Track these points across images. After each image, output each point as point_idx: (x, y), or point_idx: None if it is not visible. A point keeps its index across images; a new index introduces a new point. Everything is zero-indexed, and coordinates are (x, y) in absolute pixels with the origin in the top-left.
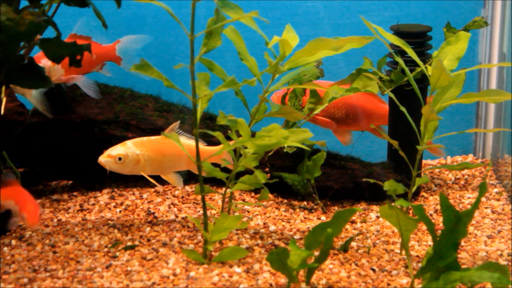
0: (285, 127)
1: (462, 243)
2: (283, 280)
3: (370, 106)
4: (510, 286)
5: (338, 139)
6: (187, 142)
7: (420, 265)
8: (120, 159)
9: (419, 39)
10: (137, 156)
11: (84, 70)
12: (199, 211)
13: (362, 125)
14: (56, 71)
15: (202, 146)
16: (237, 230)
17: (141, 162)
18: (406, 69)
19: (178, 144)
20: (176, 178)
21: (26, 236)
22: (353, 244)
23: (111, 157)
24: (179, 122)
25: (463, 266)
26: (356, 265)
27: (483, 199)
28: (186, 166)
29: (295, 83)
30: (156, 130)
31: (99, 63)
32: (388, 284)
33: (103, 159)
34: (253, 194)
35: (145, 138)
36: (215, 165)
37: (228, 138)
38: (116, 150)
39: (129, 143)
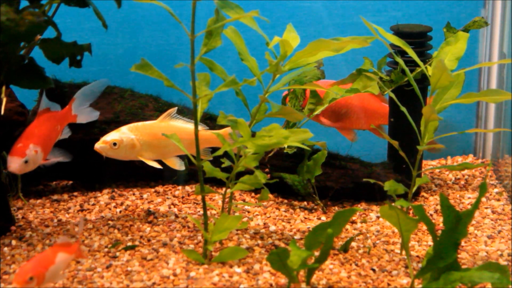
0: (285, 128)
1: (462, 243)
2: (283, 280)
3: (371, 105)
4: (510, 287)
5: (345, 137)
6: (185, 126)
7: (420, 265)
8: (114, 144)
9: (419, 39)
10: (132, 141)
11: (53, 142)
12: (199, 211)
13: (363, 123)
14: (38, 157)
15: (202, 129)
16: (237, 230)
17: (137, 147)
18: (406, 69)
19: (179, 145)
20: (177, 162)
21: (26, 236)
22: (353, 244)
23: (106, 143)
24: (176, 108)
25: (463, 266)
26: (356, 265)
27: (483, 199)
28: (189, 150)
29: (296, 84)
30: None
31: (62, 129)
32: (388, 284)
33: (98, 145)
34: (253, 194)
35: (140, 123)
36: (216, 165)
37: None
38: (111, 135)
39: (123, 128)
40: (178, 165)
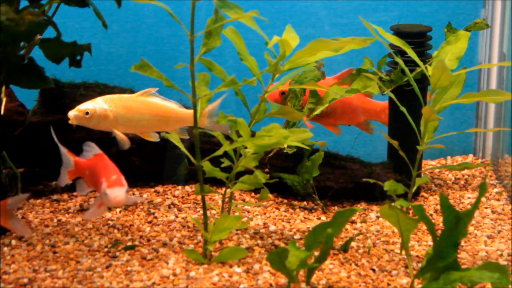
0: (285, 127)
1: (462, 243)
2: (283, 280)
3: (355, 100)
4: (510, 286)
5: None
6: (162, 103)
7: (420, 265)
8: (87, 113)
9: (419, 39)
10: (105, 111)
11: None
12: (199, 211)
13: (348, 119)
14: None
15: (178, 107)
16: (237, 230)
17: (110, 118)
18: (406, 69)
19: (178, 145)
20: (152, 135)
21: (26, 236)
22: (353, 244)
23: (79, 111)
24: (157, 88)
25: (463, 266)
26: (356, 265)
27: (483, 199)
28: (164, 127)
29: (295, 84)
30: None
31: None
32: (388, 284)
33: (72, 113)
34: (253, 194)
35: (116, 95)
36: (215, 165)
37: (228, 138)
38: (85, 105)
39: (99, 99)
40: (153, 138)
